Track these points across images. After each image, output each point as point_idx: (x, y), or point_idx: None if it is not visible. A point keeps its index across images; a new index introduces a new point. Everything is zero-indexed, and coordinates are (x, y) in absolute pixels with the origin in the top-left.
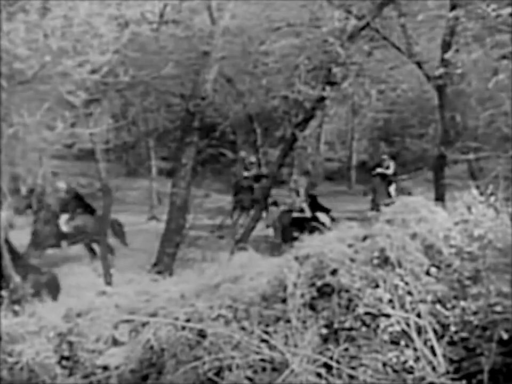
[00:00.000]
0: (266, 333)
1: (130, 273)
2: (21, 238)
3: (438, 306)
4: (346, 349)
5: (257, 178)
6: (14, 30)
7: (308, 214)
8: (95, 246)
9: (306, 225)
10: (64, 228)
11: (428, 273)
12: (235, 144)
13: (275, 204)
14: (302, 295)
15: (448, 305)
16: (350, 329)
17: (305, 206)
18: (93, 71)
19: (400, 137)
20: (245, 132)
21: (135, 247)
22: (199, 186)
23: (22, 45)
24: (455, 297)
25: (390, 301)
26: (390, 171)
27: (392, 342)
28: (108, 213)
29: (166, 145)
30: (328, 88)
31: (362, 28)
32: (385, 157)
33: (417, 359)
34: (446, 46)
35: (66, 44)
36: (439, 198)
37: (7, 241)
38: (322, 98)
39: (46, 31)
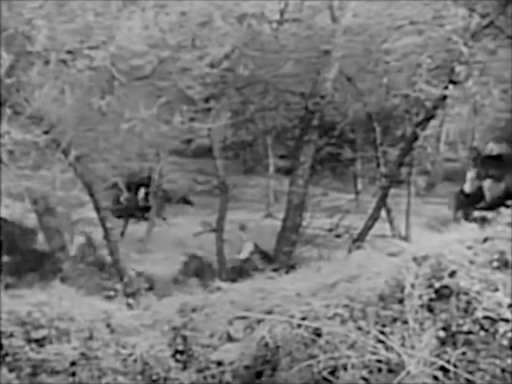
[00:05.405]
0: (383, 333)
1: None
2: None
3: None
4: (464, 353)
5: None
6: (132, 27)
7: None
8: None
9: None
10: None
11: None
12: (354, 143)
13: None
14: (420, 296)
15: None
16: (468, 332)
17: None
18: (212, 66)
19: None
20: (364, 131)
21: None
22: (317, 184)
23: (139, 42)
24: None
25: (510, 305)
26: None
27: (511, 348)
28: (225, 210)
29: (284, 143)
30: (451, 87)
31: (486, 26)
32: None
33: None
34: None
35: (184, 39)
36: None
37: None
38: (444, 97)
39: (163, 27)
